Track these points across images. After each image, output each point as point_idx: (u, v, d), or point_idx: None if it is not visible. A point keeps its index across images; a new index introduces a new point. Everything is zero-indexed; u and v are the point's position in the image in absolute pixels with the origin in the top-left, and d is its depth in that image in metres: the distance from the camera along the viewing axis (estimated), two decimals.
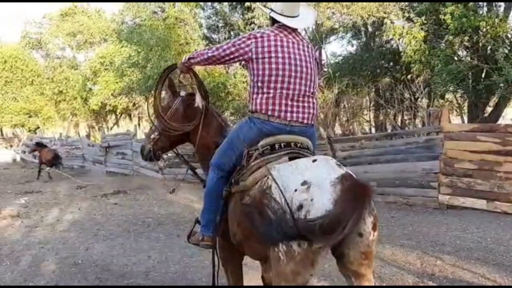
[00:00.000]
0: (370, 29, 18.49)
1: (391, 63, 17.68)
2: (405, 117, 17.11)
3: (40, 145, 18.06)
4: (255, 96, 3.19)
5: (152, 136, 3.90)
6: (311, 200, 2.55)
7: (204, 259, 5.96)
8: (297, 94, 3.19)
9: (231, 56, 3.25)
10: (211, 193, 3.34)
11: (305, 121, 3.24)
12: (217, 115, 3.90)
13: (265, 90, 3.15)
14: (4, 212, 9.76)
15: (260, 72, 3.14)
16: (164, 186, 12.27)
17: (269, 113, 3.15)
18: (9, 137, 41.04)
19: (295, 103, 3.19)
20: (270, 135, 3.17)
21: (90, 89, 30.48)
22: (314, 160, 2.83)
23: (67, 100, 33.53)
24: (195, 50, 4.54)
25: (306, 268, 2.63)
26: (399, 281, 5.09)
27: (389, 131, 15.88)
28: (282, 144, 3.15)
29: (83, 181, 15.30)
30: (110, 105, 27.25)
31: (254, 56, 3.15)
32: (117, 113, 32.44)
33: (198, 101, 3.75)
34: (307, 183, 2.62)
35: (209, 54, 3.31)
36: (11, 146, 34.45)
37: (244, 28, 19.56)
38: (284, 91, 3.15)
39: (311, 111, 3.28)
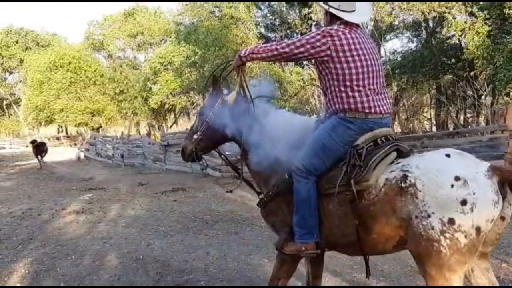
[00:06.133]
0: (430, 24, 18.08)
1: (453, 60, 17.21)
2: (468, 115, 16.63)
3: (33, 142, 22.77)
4: (344, 95, 3.18)
5: (195, 136, 3.88)
6: (474, 194, 2.62)
7: (262, 257, 5.99)
8: (378, 87, 3.23)
9: (306, 54, 3.21)
10: (307, 199, 3.27)
11: (390, 111, 3.30)
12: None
13: (355, 88, 3.15)
14: (69, 208, 10.14)
15: (346, 71, 3.13)
16: (223, 185, 12.40)
17: (366, 110, 3.16)
18: (73, 135, 42.61)
19: (379, 96, 3.22)
20: (369, 131, 3.19)
21: (150, 88, 31.18)
22: (448, 155, 2.87)
23: (128, 100, 34.37)
24: (258, 44, 4.41)
25: (472, 256, 2.72)
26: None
27: (451, 129, 15.43)
28: (383, 139, 3.18)
29: (142, 179, 15.64)
30: (169, 104, 27.77)
31: (334, 54, 3.13)
32: (176, 112, 33.03)
33: (231, 97, 3.69)
34: (460, 178, 2.66)
35: (280, 50, 3.25)
36: (75, 144, 35.71)
37: (301, 26, 19.52)
38: (372, 87, 3.18)
39: (389, 100, 3.35)
